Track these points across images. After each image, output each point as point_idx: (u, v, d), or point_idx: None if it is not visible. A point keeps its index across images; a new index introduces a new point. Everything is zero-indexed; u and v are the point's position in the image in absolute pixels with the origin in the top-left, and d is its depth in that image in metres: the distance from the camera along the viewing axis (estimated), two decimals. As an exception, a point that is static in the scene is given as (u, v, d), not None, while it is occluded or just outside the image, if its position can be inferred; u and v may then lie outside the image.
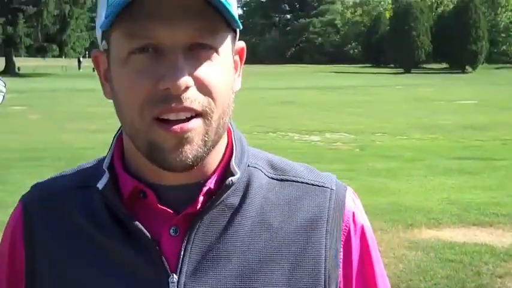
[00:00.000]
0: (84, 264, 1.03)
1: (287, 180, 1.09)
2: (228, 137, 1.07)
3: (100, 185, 1.02)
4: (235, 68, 1.03)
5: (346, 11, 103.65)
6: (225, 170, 1.03)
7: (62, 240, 1.05)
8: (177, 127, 0.93)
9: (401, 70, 68.23)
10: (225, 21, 0.94)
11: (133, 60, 0.93)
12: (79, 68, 68.62)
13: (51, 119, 20.33)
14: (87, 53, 79.34)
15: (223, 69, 0.96)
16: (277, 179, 1.08)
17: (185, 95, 0.92)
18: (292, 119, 19.62)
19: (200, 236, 1.00)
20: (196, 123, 0.94)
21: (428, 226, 7.39)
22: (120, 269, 1.01)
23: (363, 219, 1.11)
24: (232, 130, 1.08)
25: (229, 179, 1.01)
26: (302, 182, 1.09)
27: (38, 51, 61.41)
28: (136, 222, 0.99)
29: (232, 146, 1.06)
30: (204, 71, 0.93)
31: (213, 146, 0.99)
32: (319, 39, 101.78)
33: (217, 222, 1.01)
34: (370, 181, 10.18)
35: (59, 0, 59.02)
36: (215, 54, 0.95)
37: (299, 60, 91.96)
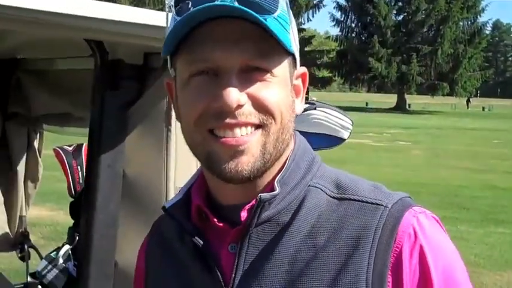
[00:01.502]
0: (171, 274, 1.14)
1: (345, 199, 1.05)
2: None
3: (168, 204, 1.12)
4: (296, 91, 1.08)
5: None
6: (272, 189, 1.04)
7: (162, 255, 1.18)
8: (231, 139, 0.97)
9: None
10: (281, 46, 0.98)
11: (193, 82, 1.00)
12: (467, 107, 68.15)
13: (434, 155, 20.55)
14: (478, 92, 78.35)
15: (279, 89, 1.00)
16: (337, 198, 1.06)
17: (239, 111, 0.97)
18: None
19: (251, 252, 1.04)
20: (252, 137, 0.98)
21: None
22: (190, 279, 1.09)
23: (426, 241, 1.00)
24: (293, 150, 1.08)
25: (259, 195, 1.02)
26: (358, 200, 1.05)
27: (429, 90, 62.80)
28: (200, 241, 1.06)
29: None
30: (258, 90, 0.98)
31: (273, 160, 1.02)
32: None
33: (267, 240, 1.03)
34: None
35: (454, 40, 59.67)
36: (270, 76, 0.99)
37: None
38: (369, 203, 1.04)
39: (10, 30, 1.94)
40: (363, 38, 64.92)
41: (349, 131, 2.16)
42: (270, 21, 0.96)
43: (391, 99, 65.34)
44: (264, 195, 1.02)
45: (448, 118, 48.12)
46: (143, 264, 1.23)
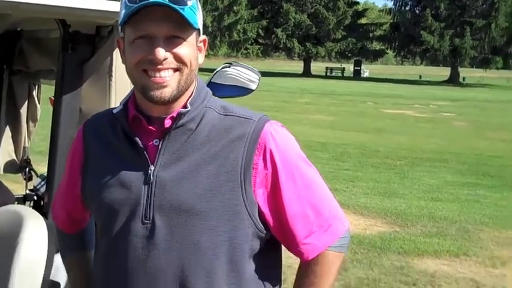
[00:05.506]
0: (107, 156, 1.69)
1: (228, 115, 1.66)
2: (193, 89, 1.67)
3: (115, 111, 1.68)
4: (199, 50, 1.65)
5: None
6: (185, 107, 1.63)
7: (98, 143, 1.72)
8: (159, 78, 1.56)
9: None
10: (190, 24, 1.56)
11: (136, 42, 1.57)
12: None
13: (475, 127, 20.54)
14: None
15: (189, 49, 1.58)
16: (223, 114, 1.66)
17: (165, 61, 1.54)
18: None
19: (169, 145, 1.62)
20: (172, 77, 1.57)
21: None
22: (124, 160, 1.66)
23: (274, 145, 1.63)
24: (196, 85, 1.67)
25: (180, 110, 1.61)
26: (237, 116, 1.65)
27: (482, 63, 61.65)
28: (134, 135, 1.62)
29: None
30: (177, 49, 1.56)
31: (184, 90, 1.60)
32: None
33: (181, 138, 1.62)
34: None
35: (510, 13, 58.29)
36: (184, 41, 1.57)
37: None
38: (244, 117, 1.65)
39: (10, 13, 2.71)
40: (417, 12, 64.27)
41: (256, 83, 2.80)
42: (186, 10, 1.54)
43: (445, 72, 64.41)
44: (182, 110, 1.61)
45: (501, 91, 47.33)
46: (81, 143, 1.76)
